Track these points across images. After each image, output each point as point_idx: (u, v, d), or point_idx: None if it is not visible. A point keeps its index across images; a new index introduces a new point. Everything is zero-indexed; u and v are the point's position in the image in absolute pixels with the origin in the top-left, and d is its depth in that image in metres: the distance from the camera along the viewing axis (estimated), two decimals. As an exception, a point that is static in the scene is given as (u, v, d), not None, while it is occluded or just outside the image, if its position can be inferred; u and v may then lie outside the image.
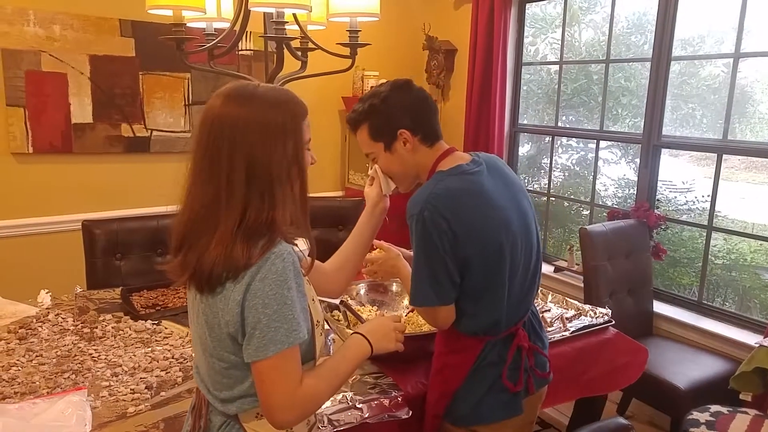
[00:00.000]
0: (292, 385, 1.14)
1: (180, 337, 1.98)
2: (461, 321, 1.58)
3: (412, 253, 1.57)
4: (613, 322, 2.25)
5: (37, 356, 1.80)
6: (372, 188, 1.70)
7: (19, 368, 1.72)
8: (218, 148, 1.14)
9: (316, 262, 1.56)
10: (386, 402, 1.66)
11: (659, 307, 3.08)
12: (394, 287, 2.25)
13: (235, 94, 1.18)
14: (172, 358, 1.82)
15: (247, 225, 1.13)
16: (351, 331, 1.80)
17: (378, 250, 1.91)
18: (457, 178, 1.53)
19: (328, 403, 1.58)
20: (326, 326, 1.95)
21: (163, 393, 1.63)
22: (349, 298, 2.14)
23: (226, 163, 1.14)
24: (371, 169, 1.72)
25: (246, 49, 3.70)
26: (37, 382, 1.64)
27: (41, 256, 3.24)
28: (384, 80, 3.86)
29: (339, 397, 1.63)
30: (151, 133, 3.49)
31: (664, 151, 3.16)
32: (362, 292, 2.23)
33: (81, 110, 3.26)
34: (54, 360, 1.78)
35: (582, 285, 2.96)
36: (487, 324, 1.58)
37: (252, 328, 1.11)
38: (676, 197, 3.33)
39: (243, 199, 1.14)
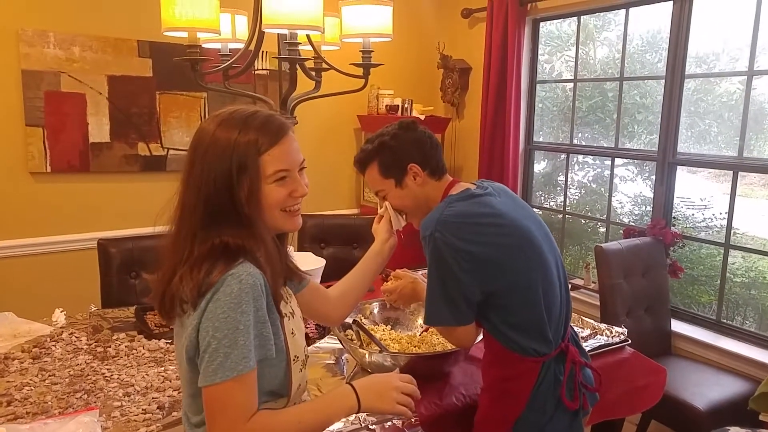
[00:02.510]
0: (237, 418, 1.06)
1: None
2: (514, 340, 1.55)
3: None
4: (630, 342, 2.21)
5: (50, 375, 1.80)
6: (381, 225, 1.72)
7: (32, 388, 1.73)
8: (186, 166, 1.15)
9: (320, 286, 1.55)
10: (399, 423, 1.63)
11: (677, 326, 3.03)
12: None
13: (217, 114, 1.17)
14: (185, 377, 1.82)
15: (199, 251, 1.10)
16: (364, 351, 1.81)
17: (393, 279, 1.93)
18: (467, 200, 1.56)
19: (340, 425, 1.57)
20: (342, 349, 1.94)
21: (174, 413, 1.62)
22: (362, 317, 2.13)
23: (183, 183, 1.15)
24: (381, 207, 1.74)
25: (261, 69, 3.74)
26: (50, 402, 1.64)
27: (57, 274, 3.28)
28: (399, 98, 3.93)
29: (351, 418, 1.60)
30: (168, 151, 3.52)
31: (682, 167, 3.13)
32: (375, 311, 2.22)
33: (99, 130, 3.31)
34: (67, 379, 1.78)
35: (598, 303, 2.92)
36: (538, 339, 1.55)
37: (203, 351, 1.07)
38: (693, 214, 3.29)
39: (194, 222, 1.12)
